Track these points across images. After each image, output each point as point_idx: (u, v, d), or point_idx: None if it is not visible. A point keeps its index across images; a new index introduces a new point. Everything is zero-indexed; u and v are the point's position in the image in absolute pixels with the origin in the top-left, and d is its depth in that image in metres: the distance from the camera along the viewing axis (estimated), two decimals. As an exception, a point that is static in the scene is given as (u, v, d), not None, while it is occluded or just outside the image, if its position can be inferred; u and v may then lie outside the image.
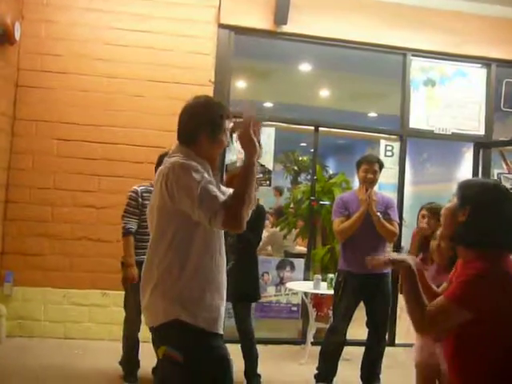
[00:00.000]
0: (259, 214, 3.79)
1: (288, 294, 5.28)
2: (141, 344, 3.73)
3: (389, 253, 1.76)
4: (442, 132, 5.53)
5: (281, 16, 5.01)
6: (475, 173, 5.63)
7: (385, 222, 3.77)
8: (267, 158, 5.14)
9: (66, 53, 4.83)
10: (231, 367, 1.98)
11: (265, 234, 5.64)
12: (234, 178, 2.72)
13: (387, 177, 5.18)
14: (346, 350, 3.94)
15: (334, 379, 3.82)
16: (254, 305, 4.31)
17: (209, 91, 4.86)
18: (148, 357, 3.49)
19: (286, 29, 5.12)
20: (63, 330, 4.73)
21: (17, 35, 4.53)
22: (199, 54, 4.99)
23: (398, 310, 4.82)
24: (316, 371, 3.87)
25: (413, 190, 8.40)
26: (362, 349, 3.93)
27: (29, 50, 4.79)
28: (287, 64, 6.53)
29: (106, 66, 4.86)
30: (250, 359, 3.75)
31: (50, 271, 4.72)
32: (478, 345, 1.66)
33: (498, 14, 5.41)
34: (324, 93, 8.07)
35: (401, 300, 4.69)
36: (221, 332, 2.00)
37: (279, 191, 8.79)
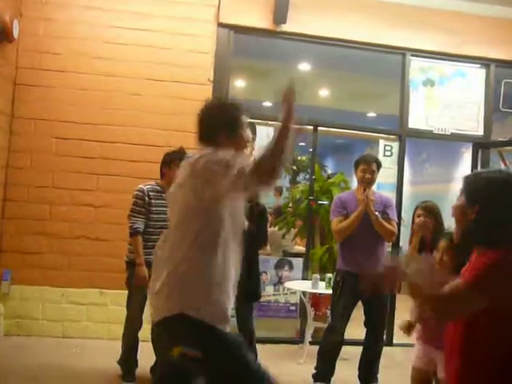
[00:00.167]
0: (263, 214, 3.79)
1: (286, 294, 5.28)
2: (140, 343, 3.73)
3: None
4: (440, 132, 5.53)
5: (280, 15, 5.00)
6: (474, 173, 5.61)
7: (383, 222, 3.77)
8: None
9: (64, 51, 4.81)
10: (244, 348, 2.07)
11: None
12: None
13: (386, 177, 5.19)
14: (344, 349, 3.94)
15: (332, 379, 3.82)
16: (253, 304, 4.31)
17: (208, 90, 4.87)
18: (146, 356, 3.50)
19: (285, 28, 5.12)
20: (61, 329, 4.71)
21: (15, 33, 4.52)
22: (198, 52, 4.98)
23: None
24: (314, 371, 3.86)
25: (411, 190, 8.40)
26: (360, 348, 3.94)
27: (27, 48, 4.77)
28: (286, 63, 6.52)
29: (104, 65, 4.85)
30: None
31: (47, 270, 4.71)
32: (487, 338, 1.67)
33: (498, 14, 5.42)
34: (323, 92, 8.08)
35: (401, 299, 4.69)
36: (225, 331, 2.02)
37: (278, 191, 8.79)
